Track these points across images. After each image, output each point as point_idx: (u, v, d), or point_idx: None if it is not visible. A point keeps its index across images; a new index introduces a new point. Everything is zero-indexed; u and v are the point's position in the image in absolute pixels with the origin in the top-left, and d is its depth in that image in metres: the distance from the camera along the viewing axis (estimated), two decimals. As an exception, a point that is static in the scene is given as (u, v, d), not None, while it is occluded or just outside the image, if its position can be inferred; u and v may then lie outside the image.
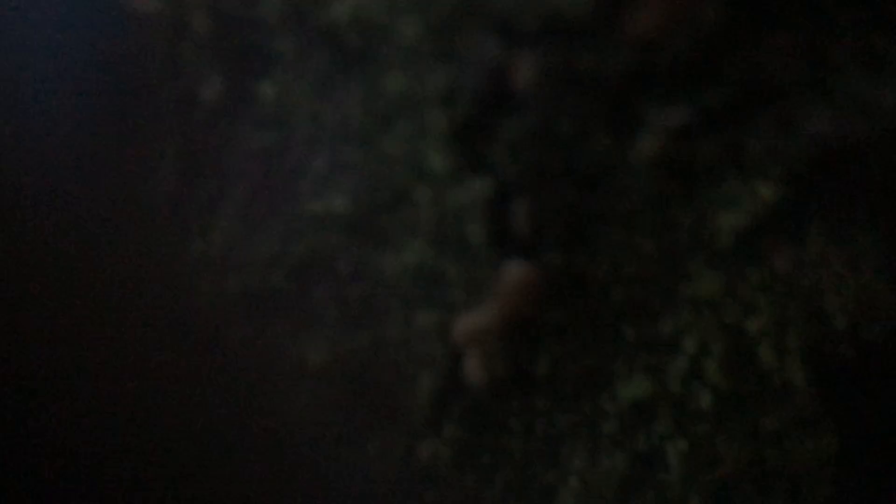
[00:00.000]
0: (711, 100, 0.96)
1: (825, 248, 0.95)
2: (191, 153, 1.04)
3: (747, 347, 0.95)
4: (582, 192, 0.97)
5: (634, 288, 0.96)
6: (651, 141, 0.96)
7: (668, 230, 0.96)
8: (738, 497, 0.95)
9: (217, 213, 1.03)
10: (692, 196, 0.95)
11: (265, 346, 1.03)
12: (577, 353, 0.97)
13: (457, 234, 0.98)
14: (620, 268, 0.97)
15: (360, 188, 1.00)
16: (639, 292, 0.96)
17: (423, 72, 0.98)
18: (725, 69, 0.97)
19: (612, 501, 0.96)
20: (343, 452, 0.99)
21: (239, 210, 1.02)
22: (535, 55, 0.97)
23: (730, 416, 0.95)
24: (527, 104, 0.97)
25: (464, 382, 1.00)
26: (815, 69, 0.96)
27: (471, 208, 0.98)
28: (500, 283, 0.98)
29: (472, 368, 0.99)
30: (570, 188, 0.97)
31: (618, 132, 0.96)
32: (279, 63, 1.01)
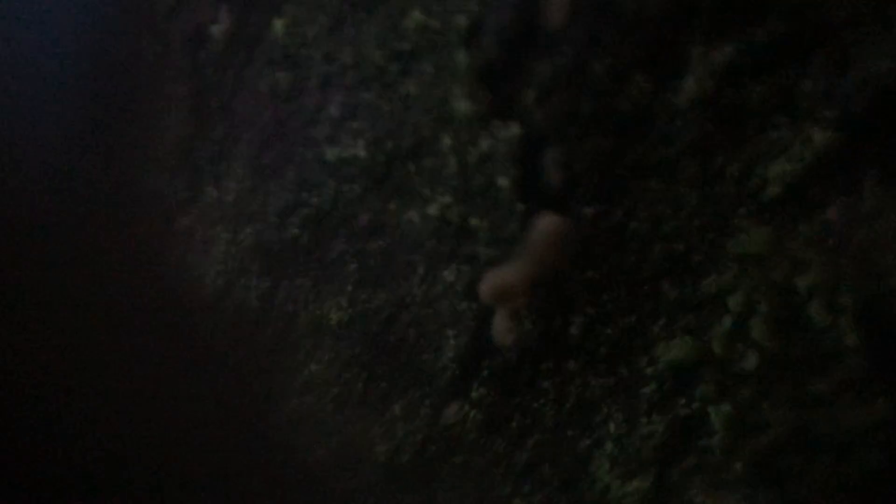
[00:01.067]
0: (760, 38, 0.85)
1: (882, 198, 0.84)
2: (202, 94, 0.95)
3: (796, 306, 0.85)
4: (619, 140, 0.87)
5: (675, 243, 0.87)
6: (695, 82, 0.85)
7: (713, 180, 0.86)
8: (784, 464, 0.86)
9: (230, 159, 0.94)
10: (739, 143, 0.85)
11: (283, 302, 0.95)
12: (613, 312, 0.88)
13: (483, 184, 0.89)
14: (660, 221, 0.87)
15: (380, 134, 0.90)
16: (680, 248, 0.87)
17: (445, 8, 0.87)
18: (775, 4, 0.86)
19: (650, 468, 0.87)
20: (367, 414, 0.91)
21: (252, 156, 0.93)
22: (568, -12, 0.86)
23: (776, 379, 0.86)
24: (558, 43, 0.86)
25: (492, 342, 0.91)
26: (874, 3, 0.85)
27: (498, 156, 0.88)
28: (530, 237, 0.88)
29: (501, 328, 0.90)
30: (605, 135, 0.87)
31: (658, 74, 0.86)
32: (292, -2, 0.91)
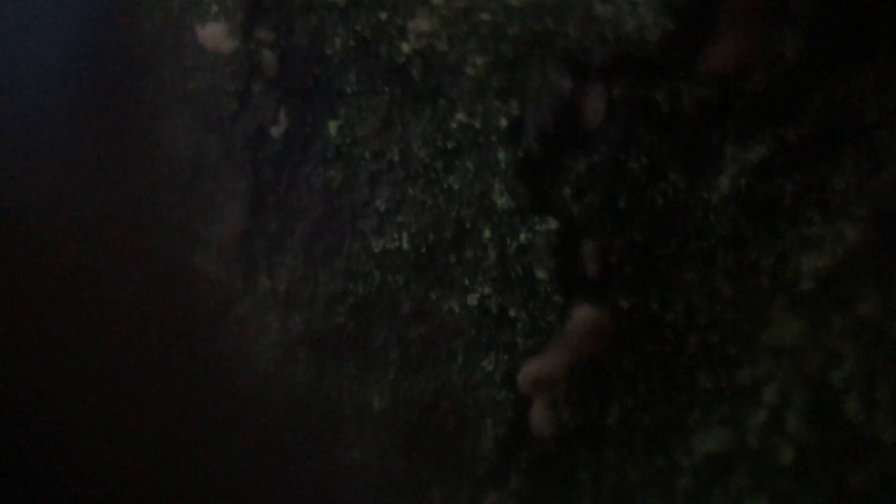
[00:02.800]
0: (793, 136, 0.84)
1: (917, 293, 0.81)
2: (260, 189, 0.95)
3: (832, 399, 0.81)
4: (655, 232, 0.85)
5: (711, 333, 0.84)
6: (729, 178, 0.84)
7: (747, 272, 0.83)
8: (822, 560, 0.81)
9: (283, 251, 0.94)
10: (772, 236, 0.82)
11: (329, 388, 0.93)
12: (649, 402, 0.85)
13: (522, 275, 0.87)
14: (696, 312, 0.85)
15: (424, 226, 0.89)
16: (715, 338, 0.84)
17: (488, 107, 0.87)
18: (808, 104, 0.84)
19: (685, 560, 0.83)
20: (407, 501, 0.88)
21: (303, 246, 0.93)
22: (605, 89, 0.85)
23: (812, 472, 0.81)
24: (596, 140, 0.85)
25: (530, 431, 0.88)
26: (905, 104, 0.83)
27: (536, 249, 0.87)
28: (568, 327, 0.86)
29: (539, 417, 0.87)
30: (641, 228, 0.85)
31: (693, 169, 0.85)
32: (345, 100, 0.91)
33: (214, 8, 0.96)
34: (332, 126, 0.93)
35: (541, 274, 0.88)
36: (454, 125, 0.90)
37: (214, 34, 0.97)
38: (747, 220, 0.85)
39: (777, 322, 0.83)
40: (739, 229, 0.85)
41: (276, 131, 0.95)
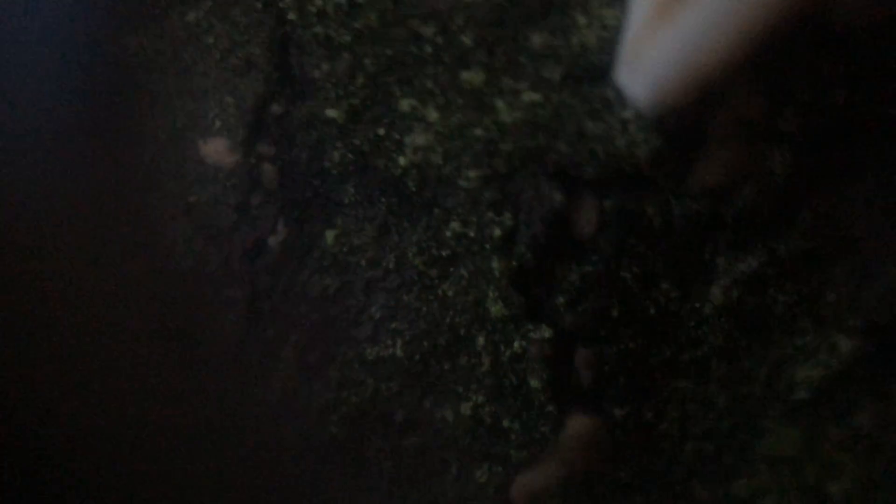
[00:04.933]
0: (784, 248, 0.82)
1: (913, 405, 0.78)
2: (256, 298, 0.93)
3: (831, 512, 0.77)
4: (648, 342, 0.82)
5: (706, 443, 0.81)
6: (721, 289, 0.81)
7: (741, 382, 0.80)
8: None
9: (277, 360, 0.91)
10: (766, 347, 0.80)
11: (320, 499, 0.89)
12: (644, 514, 0.81)
13: (516, 383, 0.84)
14: (690, 422, 0.81)
15: (418, 333, 0.87)
16: (711, 448, 0.80)
17: (482, 218, 0.86)
18: (798, 218, 0.83)
19: None
20: None
21: (297, 356, 0.90)
22: (597, 202, 0.84)
23: (814, 589, 0.77)
24: (588, 250, 0.84)
25: (523, 544, 0.83)
26: (893, 216, 0.82)
27: (531, 357, 0.84)
28: (561, 439, 0.82)
29: (532, 529, 0.83)
30: (634, 337, 0.83)
31: (685, 279, 0.82)
32: (343, 210, 0.90)
33: (217, 124, 0.96)
34: (330, 235, 0.91)
35: (534, 383, 0.85)
36: (449, 234, 0.88)
37: (217, 149, 0.97)
38: (740, 330, 0.83)
39: (772, 432, 0.80)
40: (732, 339, 0.82)
41: (273, 241, 0.94)
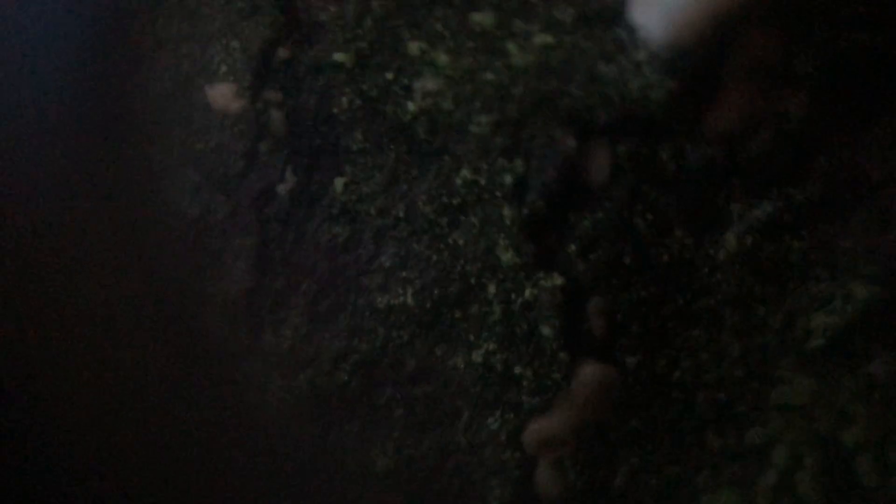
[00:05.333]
0: (800, 195, 0.81)
1: (928, 352, 0.77)
2: (266, 247, 0.92)
3: (844, 461, 0.77)
4: (661, 291, 0.81)
5: (719, 392, 0.80)
6: (735, 236, 0.80)
7: (755, 331, 0.80)
8: None
9: (288, 308, 0.90)
10: (780, 295, 0.79)
11: (332, 446, 0.89)
12: (657, 463, 0.81)
13: (528, 331, 0.84)
14: (703, 371, 0.81)
15: (429, 282, 0.86)
16: (724, 397, 0.80)
17: (493, 165, 0.84)
18: (814, 163, 0.81)
19: None
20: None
21: (308, 304, 0.89)
22: (610, 148, 0.83)
23: (825, 536, 0.77)
24: (601, 198, 0.83)
25: (536, 492, 0.83)
26: (912, 162, 0.80)
27: (542, 305, 0.83)
28: (574, 385, 0.82)
29: (545, 478, 0.83)
30: (647, 286, 0.82)
31: (699, 227, 0.81)
32: (351, 158, 0.89)
33: (223, 69, 0.94)
34: (339, 183, 0.90)
35: (546, 331, 0.85)
36: (459, 182, 0.87)
37: (223, 94, 0.95)
38: (754, 278, 0.82)
39: (786, 381, 0.79)
40: (746, 287, 0.82)
41: (282, 189, 0.93)
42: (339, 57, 0.90)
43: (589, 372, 0.84)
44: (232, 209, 0.95)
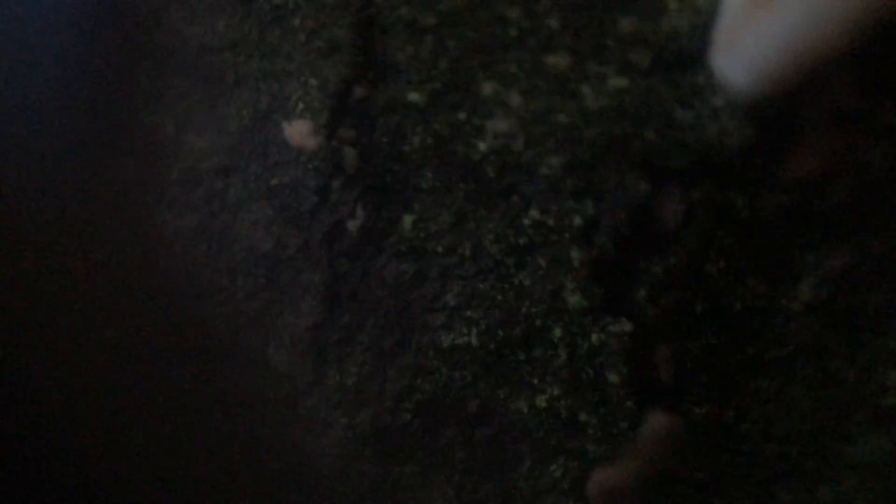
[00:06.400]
0: (879, 246, 0.78)
1: None
2: (334, 283, 0.93)
3: (922, 524, 0.74)
4: (731, 340, 0.80)
5: (789, 446, 0.78)
6: (810, 286, 0.78)
7: (828, 385, 0.77)
8: None
9: (353, 345, 0.91)
10: (855, 349, 0.77)
11: (392, 489, 0.88)
12: (722, 517, 0.78)
13: (594, 377, 0.83)
14: (773, 423, 0.79)
15: (493, 322, 0.86)
16: (794, 452, 0.78)
17: (562, 206, 0.84)
18: (892, 216, 0.79)
19: None
20: None
21: (373, 341, 0.90)
22: (683, 192, 0.82)
23: None
24: (672, 243, 0.81)
25: (596, 541, 0.82)
26: None
27: (609, 350, 0.82)
28: (640, 435, 0.80)
29: (606, 528, 0.81)
30: (718, 334, 0.80)
31: (773, 275, 0.80)
32: (420, 196, 0.89)
33: (301, 106, 0.96)
34: (407, 221, 0.91)
35: (613, 377, 0.83)
36: (527, 222, 0.87)
37: (300, 132, 0.97)
38: (828, 329, 0.79)
39: (860, 438, 0.77)
40: (820, 339, 0.79)
41: (352, 225, 0.93)
42: (412, 96, 0.91)
43: (656, 421, 0.82)
44: (303, 244, 0.96)
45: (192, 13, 0.97)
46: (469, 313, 0.88)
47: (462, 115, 0.90)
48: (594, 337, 0.84)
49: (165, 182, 1.00)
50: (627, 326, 0.84)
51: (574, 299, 0.85)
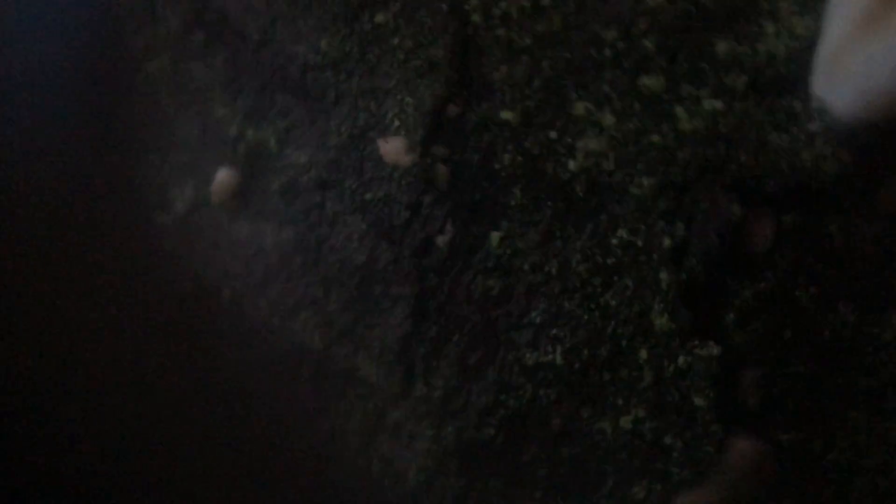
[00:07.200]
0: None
1: None
2: (423, 296, 0.94)
3: None
4: (821, 367, 0.78)
5: (879, 479, 0.75)
6: (905, 316, 0.76)
7: (922, 417, 0.75)
8: None
9: (440, 358, 0.91)
10: (952, 381, 0.74)
11: (476, 502, 0.88)
12: (807, 547, 0.76)
13: (679, 401, 0.81)
14: (862, 455, 0.76)
15: (578, 341, 0.85)
16: (885, 484, 0.75)
17: (652, 227, 0.83)
18: None
19: None
20: None
21: (459, 356, 0.90)
22: (775, 217, 0.80)
23: None
24: (763, 267, 0.80)
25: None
26: None
27: (695, 374, 0.80)
28: (726, 460, 0.79)
29: (689, 552, 0.79)
30: (806, 361, 0.78)
31: (864, 304, 0.77)
32: (509, 213, 0.89)
33: (396, 123, 0.97)
34: (495, 237, 0.91)
35: (699, 401, 0.82)
36: (615, 242, 0.86)
37: (396, 149, 0.98)
38: (924, 361, 0.77)
39: (955, 473, 0.74)
40: (915, 370, 0.77)
41: (441, 241, 0.94)
42: (505, 115, 0.91)
43: (742, 447, 0.80)
44: (394, 257, 0.97)
45: (297, 33, 0.99)
46: (554, 331, 0.88)
47: (553, 134, 0.90)
48: (681, 360, 0.83)
49: (267, 194, 1.02)
50: (715, 350, 0.82)
51: (661, 321, 0.84)
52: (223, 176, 1.06)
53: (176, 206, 1.05)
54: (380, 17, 0.97)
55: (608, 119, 0.88)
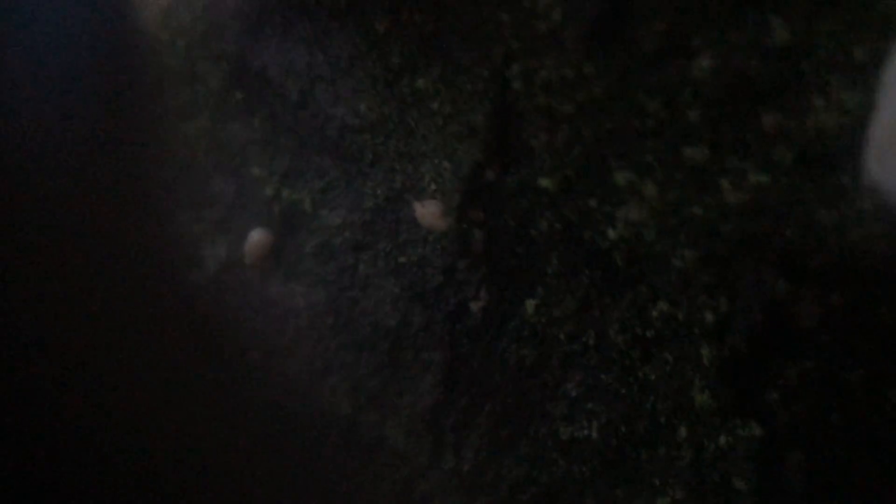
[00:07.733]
0: None
1: None
2: (454, 363, 0.91)
3: None
4: (868, 451, 0.73)
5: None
6: (959, 402, 0.72)
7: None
8: None
9: (470, 429, 0.88)
10: None
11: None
12: None
13: (719, 483, 0.77)
14: (914, 548, 0.72)
15: (615, 416, 0.82)
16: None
17: (694, 300, 0.80)
18: None
19: None
20: None
21: (491, 427, 0.86)
22: (822, 294, 0.77)
23: None
24: (809, 346, 0.76)
25: None
26: None
27: (736, 455, 0.76)
28: (766, 546, 0.75)
29: None
30: (854, 446, 0.74)
31: (918, 388, 0.73)
32: (545, 280, 0.87)
33: (433, 187, 0.95)
34: (530, 305, 0.88)
35: (740, 484, 0.78)
36: (655, 314, 0.83)
37: (432, 212, 0.96)
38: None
39: None
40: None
41: (475, 307, 0.91)
42: (543, 182, 0.89)
43: (783, 534, 0.76)
44: (426, 322, 0.94)
45: (336, 94, 0.98)
46: (590, 405, 0.85)
47: (593, 202, 0.87)
48: (721, 439, 0.79)
49: (300, 255, 1.01)
50: (757, 430, 0.78)
51: (702, 398, 0.80)
52: (257, 236, 1.04)
53: (208, 264, 1.03)
54: (420, 83, 0.96)
55: (650, 189, 0.85)
